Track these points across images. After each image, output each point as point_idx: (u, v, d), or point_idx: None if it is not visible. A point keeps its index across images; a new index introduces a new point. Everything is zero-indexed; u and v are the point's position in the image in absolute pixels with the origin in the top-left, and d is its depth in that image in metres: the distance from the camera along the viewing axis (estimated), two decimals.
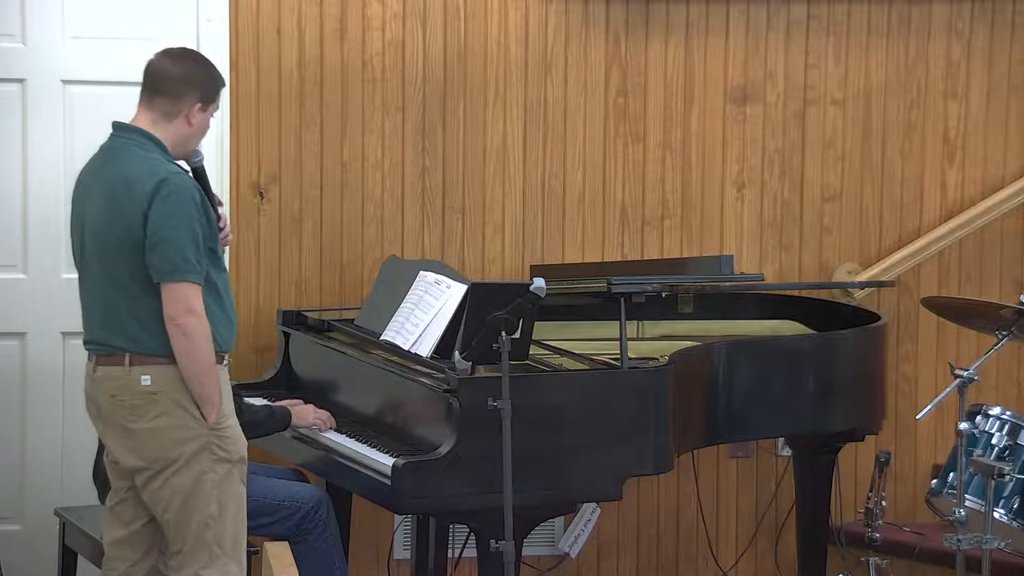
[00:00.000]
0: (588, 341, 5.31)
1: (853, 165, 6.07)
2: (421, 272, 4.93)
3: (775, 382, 5.10)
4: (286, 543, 4.41)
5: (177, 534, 4.17)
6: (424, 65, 5.74)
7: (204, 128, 4.28)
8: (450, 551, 5.15)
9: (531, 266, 5.82)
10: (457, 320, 4.61)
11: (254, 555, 4.57)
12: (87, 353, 4.30)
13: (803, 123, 6.03)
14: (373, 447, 4.67)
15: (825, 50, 6.02)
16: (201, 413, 4.13)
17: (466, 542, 5.27)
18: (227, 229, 4.35)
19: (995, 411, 5.21)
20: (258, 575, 4.48)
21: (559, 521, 5.86)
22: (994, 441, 5.15)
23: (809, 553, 5.63)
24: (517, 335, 4.34)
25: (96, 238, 4.17)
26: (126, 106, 5.46)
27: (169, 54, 4.31)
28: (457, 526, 5.09)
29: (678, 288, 5.35)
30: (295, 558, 4.22)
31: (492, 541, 4.28)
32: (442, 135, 5.78)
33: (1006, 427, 5.16)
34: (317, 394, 5.15)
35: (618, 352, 4.75)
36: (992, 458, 5.07)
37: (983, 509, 4.90)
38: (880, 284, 5.93)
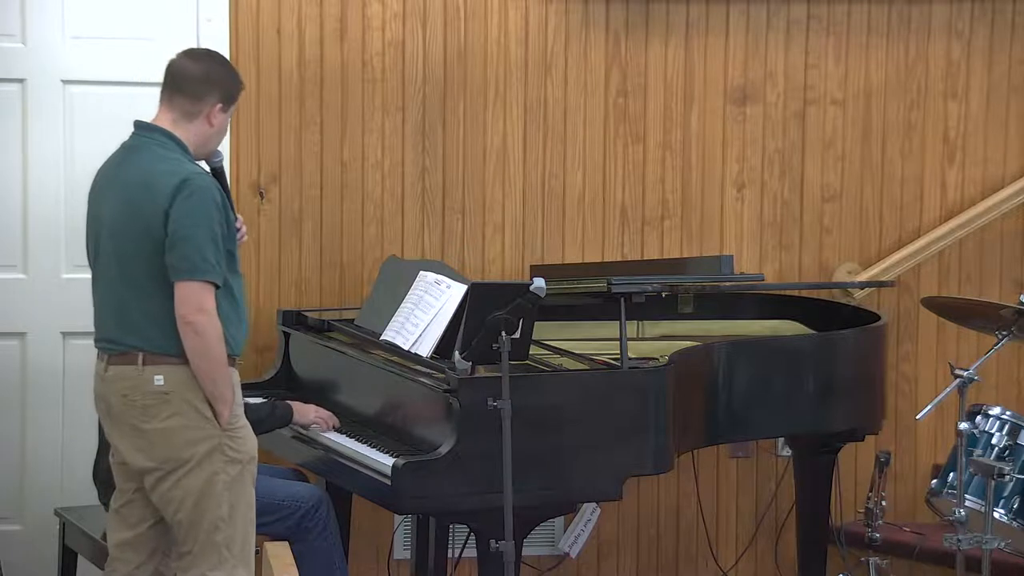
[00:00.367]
0: (588, 341, 5.31)
1: (853, 165, 6.07)
2: (421, 272, 4.93)
3: (775, 382, 5.10)
4: (286, 543, 4.40)
5: (188, 535, 4.17)
6: (424, 65, 5.74)
7: (224, 128, 4.30)
8: (450, 551, 5.15)
9: (531, 266, 5.82)
10: (457, 320, 4.61)
11: (254, 555, 4.56)
12: (96, 352, 4.27)
13: (803, 123, 6.03)
14: (373, 447, 4.67)
15: (825, 50, 6.02)
16: (214, 414, 4.13)
17: (466, 542, 5.27)
18: (243, 229, 4.38)
19: (995, 411, 5.21)
20: (258, 575, 4.48)
21: (559, 521, 5.86)
22: (994, 441, 5.15)
23: (809, 553, 5.63)
24: (517, 335, 4.34)
25: (114, 238, 4.16)
26: (126, 106, 5.47)
27: (190, 54, 4.32)
28: (457, 526, 5.09)
29: (678, 288, 5.35)
30: (295, 558, 4.22)
31: (492, 541, 4.28)
32: (442, 135, 5.78)
33: (1006, 427, 5.16)
34: (317, 394, 5.15)
35: (618, 352, 4.75)
36: (992, 458, 5.07)
37: (983, 509, 4.90)
38: (880, 284, 5.93)
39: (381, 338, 4.92)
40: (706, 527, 6.02)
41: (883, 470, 5.34)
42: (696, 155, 5.96)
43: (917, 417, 4.92)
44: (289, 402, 4.92)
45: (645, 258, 5.91)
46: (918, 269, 6.11)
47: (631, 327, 5.52)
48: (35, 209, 5.54)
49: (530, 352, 4.57)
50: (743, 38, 5.96)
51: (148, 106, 5.45)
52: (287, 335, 5.42)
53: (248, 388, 5.22)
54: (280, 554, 4.17)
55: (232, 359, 4.19)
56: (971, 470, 4.95)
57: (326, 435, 4.87)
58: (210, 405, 4.13)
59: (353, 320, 5.26)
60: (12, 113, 5.50)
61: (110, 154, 4.31)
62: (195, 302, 4.05)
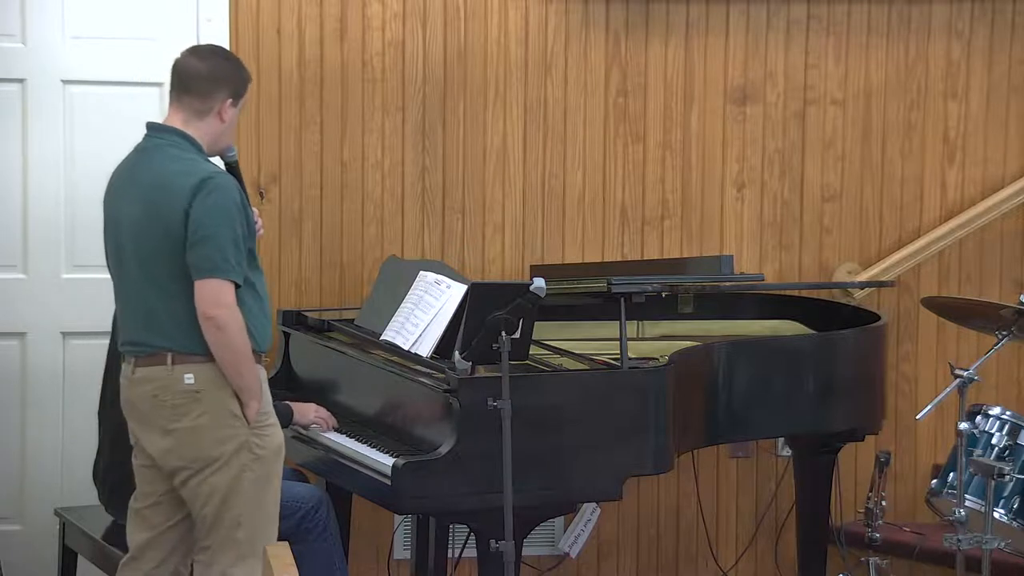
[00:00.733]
0: (588, 341, 5.31)
1: (853, 165, 6.07)
2: (421, 272, 4.93)
3: (775, 382, 5.10)
4: (286, 543, 4.39)
5: (212, 529, 4.21)
6: (424, 65, 5.74)
7: (234, 123, 4.30)
8: (450, 551, 5.15)
9: (531, 266, 5.82)
10: (457, 320, 4.61)
11: None
12: (123, 356, 4.27)
13: (803, 123, 6.03)
14: (373, 447, 4.67)
15: (825, 50, 6.02)
16: (242, 410, 4.15)
17: (466, 542, 5.27)
18: (260, 222, 4.37)
19: (995, 411, 5.21)
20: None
21: (559, 521, 5.86)
22: (994, 441, 5.15)
23: (809, 553, 5.62)
24: (517, 335, 4.33)
25: (134, 240, 4.16)
26: (126, 106, 5.49)
27: (196, 52, 4.31)
28: (457, 526, 5.09)
29: (678, 288, 5.35)
30: (295, 558, 4.20)
31: (492, 541, 4.27)
32: (442, 135, 5.78)
33: (1006, 427, 5.16)
34: (317, 394, 5.14)
35: (618, 352, 4.74)
36: (992, 458, 5.07)
37: (983, 509, 4.90)
38: (880, 284, 5.93)
39: (381, 338, 4.92)
40: (706, 527, 6.02)
41: (883, 470, 5.34)
42: (696, 155, 5.96)
43: (917, 417, 4.92)
44: (289, 402, 4.92)
45: (645, 258, 5.91)
46: (918, 269, 6.11)
47: (631, 327, 5.52)
48: (35, 209, 5.54)
49: (530, 352, 4.57)
50: (743, 38, 5.96)
51: (148, 106, 5.47)
52: (287, 335, 5.42)
53: None
54: (280, 554, 4.16)
55: (258, 356, 4.20)
56: (971, 470, 4.95)
57: (326, 435, 4.87)
58: (239, 401, 4.15)
59: (353, 320, 5.26)
60: (12, 113, 5.50)
61: (122, 157, 4.30)
62: (214, 298, 4.06)
